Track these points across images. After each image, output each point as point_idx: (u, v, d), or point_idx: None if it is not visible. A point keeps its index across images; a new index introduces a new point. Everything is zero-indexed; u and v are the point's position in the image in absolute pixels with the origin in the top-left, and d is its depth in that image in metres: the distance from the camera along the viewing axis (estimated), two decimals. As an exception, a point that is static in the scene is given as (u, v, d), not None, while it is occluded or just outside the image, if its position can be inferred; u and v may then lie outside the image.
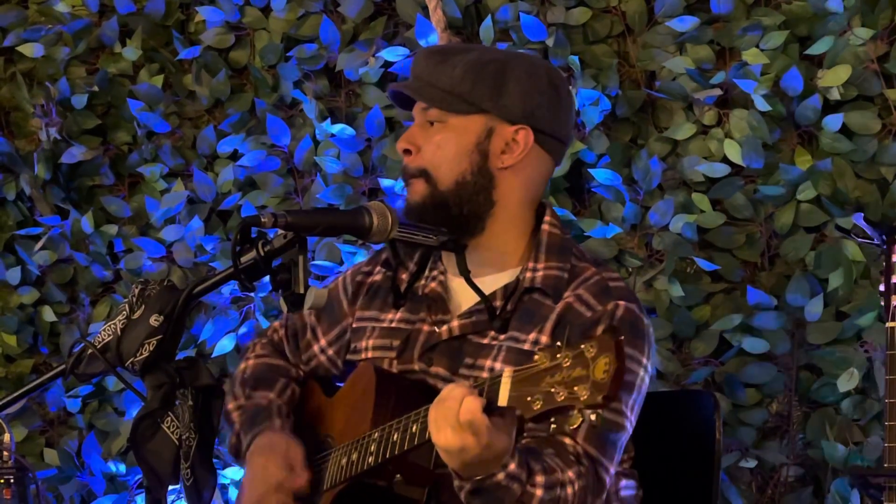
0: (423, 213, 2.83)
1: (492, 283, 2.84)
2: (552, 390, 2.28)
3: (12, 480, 3.88)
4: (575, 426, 2.27)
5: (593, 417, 2.25)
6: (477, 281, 2.81)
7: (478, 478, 2.53)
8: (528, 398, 2.31)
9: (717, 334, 4.19)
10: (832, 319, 4.13)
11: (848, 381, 4.06)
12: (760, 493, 4.22)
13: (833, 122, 4.12)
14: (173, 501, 4.41)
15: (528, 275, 2.82)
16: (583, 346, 2.27)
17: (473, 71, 2.83)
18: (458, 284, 2.86)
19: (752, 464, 4.16)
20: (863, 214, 4.01)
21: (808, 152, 4.18)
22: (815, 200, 4.16)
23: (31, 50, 4.71)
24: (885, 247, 3.85)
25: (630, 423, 2.77)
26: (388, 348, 2.87)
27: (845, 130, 4.14)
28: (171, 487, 2.54)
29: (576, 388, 2.25)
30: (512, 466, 2.54)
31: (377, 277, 2.97)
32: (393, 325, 2.89)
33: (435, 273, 2.90)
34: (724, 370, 4.19)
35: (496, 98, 2.83)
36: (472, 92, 2.82)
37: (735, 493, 4.14)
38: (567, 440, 2.70)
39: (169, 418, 2.51)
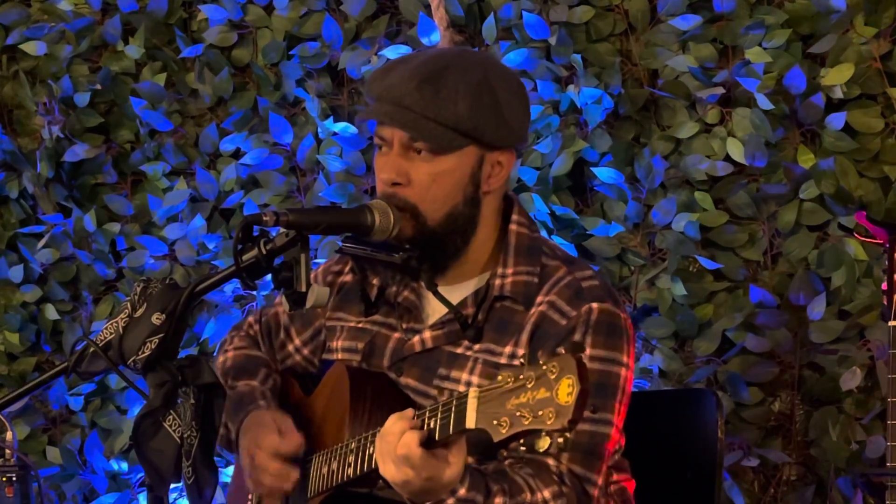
0: (412, 246, 2.76)
1: (462, 290, 2.81)
2: (518, 414, 2.26)
3: (15, 478, 3.88)
4: (544, 449, 2.25)
5: (560, 441, 2.24)
6: (447, 289, 2.78)
7: None
8: (495, 421, 2.29)
9: (720, 333, 4.19)
10: (835, 318, 4.13)
11: (851, 380, 4.06)
12: (763, 492, 4.22)
13: (836, 120, 4.12)
14: (175, 499, 4.41)
15: (498, 282, 2.77)
16: (545, 367, 2.24)
17: (474, 104, 2.71)
18: (430, 294, 2.82)
19: (754, 462, 4.16)
20: (866, 213, 4.00)
21: (810, 151, 4.18)
22: (817, 199, 4.15)
23: (34, 48, 4.71)
24: (887, 245, 3.84)
25: (617, 427, 2.74)
26: (353, 350, 2.86)
27: (848, 129, 4.14)
28: (172, 485, 2.54)
29: (541, 413, 2.23)
30: (461, 492, 2.55)
31: (347, 278, 2.94)
32: (359, 325, 2.87)
33: (406, 279, 2.85)
34: (727, 369, 4.18)
35: (495, 131, 2.75)
36: (475, 129, 2.73)
37: (737, 492, 4.14)
38: (550, 460, 2.68)
39: (171, 416, 2.51)
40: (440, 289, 2.77)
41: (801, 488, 4.18)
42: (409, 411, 2.50)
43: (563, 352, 2.23)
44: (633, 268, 4.29)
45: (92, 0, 4.70)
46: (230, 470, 4.36)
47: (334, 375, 2.83)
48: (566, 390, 2.21)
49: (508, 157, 2.79)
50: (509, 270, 2.78)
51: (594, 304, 2.73)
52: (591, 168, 4.27)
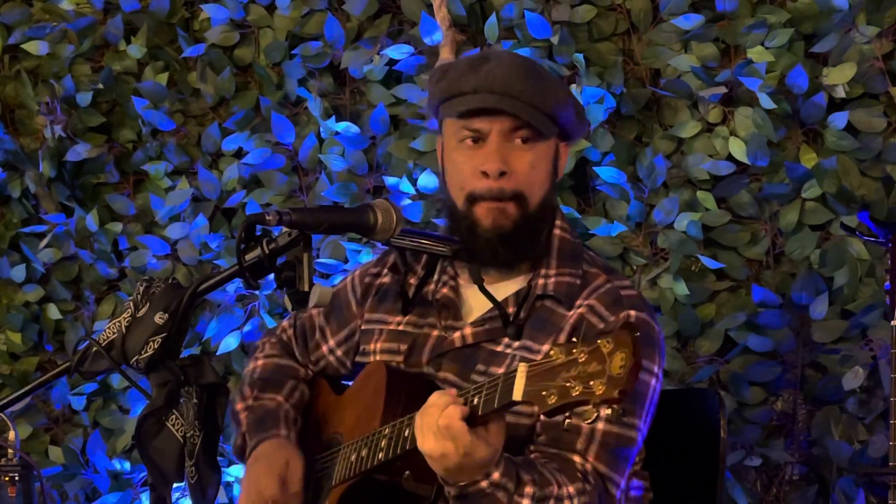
0: (513, 237, 2.79)
1: (504, 288, 2.83)
2: (567, 384, 2.27)
3: (17, 478, 3.88)
4: (590, 420, 2.26)
5: (608, 412, 2.24)
6: (489, 286, 2.79)
7: (461, 483, 2.55)
8: (543, 392, 2.31)
9: (722, 332, 4.19)
10: (837, 318, 4.13)
11: (853, 380, 4.06)
12: (765, 492, 4.22)
13: (838, 119, 4.12)
14: (178, 499, 4.42)
15: (541, 281, 2.80)
16: (599, 342, 2.27)
17: (566, 97, 2.82)
18: (470, 290, 2.84)
19: (757, 462, 4.16)
20: (868, 212, 4.00)
21: (813, 150, 4.18)
22: (820, 198, 4.15)
23: (36, 48, 4.71)
24: (890, 245, 3.84)
25: (642, 435, 2.77)
26: (395, 352, 2.87)
27: (850, 128, 4.14)
28: (175, 485, 2.54)
29: (591, 383, 2.25)
30: (496, 476, 2.56)
31: (385, 280, 2.95)
32: (400, 328, 2.88)
33: (445, 278, 2.88)
34: (729, 368, 4.18)
35: (576, 124, 2.85)
36: (567, 120, 2.82)
37: (740, 492, 4.14)
38: (576, 458, 2.70)
39: (173, 416, 2.51)
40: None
41: (803, 488, 4.17)
42: (453, 389, 2.54)
43: (619, 329, 2.25)
44: (635, 267, 4.29)
45: (94, -1, 4.71)
46: (232, 469, 4.36)
47: (372, 372, 2.84)
48: (619, 363, 2.23)
49: (566, 149, 2.89)
50: (552, 271, 2.82)
51: (632, 312, 2.77)
52: (594, 167, 4.27)
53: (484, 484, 2.55)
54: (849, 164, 4.11)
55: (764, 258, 4.24)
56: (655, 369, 2.78)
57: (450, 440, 2.46)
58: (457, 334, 2.82)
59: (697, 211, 4.22)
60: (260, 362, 3.06)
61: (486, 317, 2.81)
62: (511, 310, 2.80)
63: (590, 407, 2.25)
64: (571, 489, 2.65)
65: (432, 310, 2.87)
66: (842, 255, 4.10)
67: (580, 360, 2.28)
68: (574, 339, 2.31)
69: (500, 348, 2.79)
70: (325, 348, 3.02)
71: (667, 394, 3.19)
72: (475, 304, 2.84)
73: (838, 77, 4.11)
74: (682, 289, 4.17)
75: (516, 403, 2.38)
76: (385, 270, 2.97)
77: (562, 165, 2.88)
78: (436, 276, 2.89)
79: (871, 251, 4.09)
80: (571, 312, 2.78)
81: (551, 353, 2.33)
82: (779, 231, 4.22)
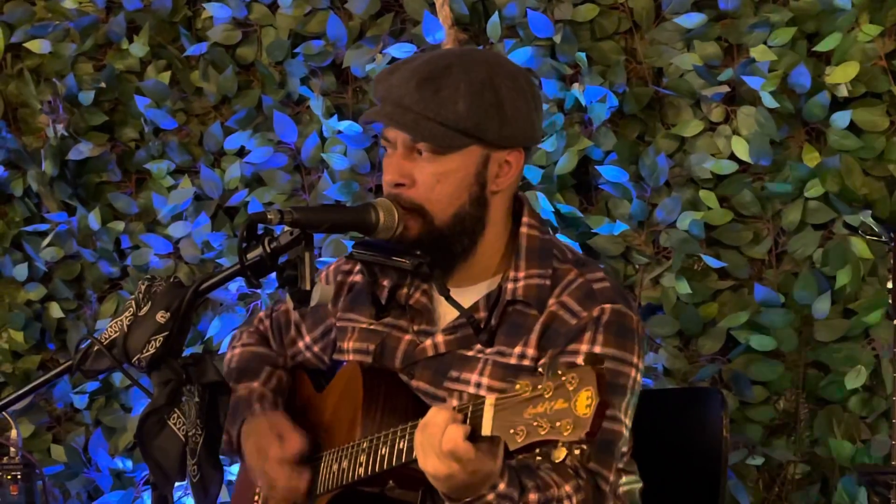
0: (419, 248, 2.73)
1: (473, 293, 2.80)
2: (535, 423, 2.25)
3: (19, 476, 3.88)
4: (560, 459, 2.24)
5: (577, 452, 2.23)
6: (457, 291, 2.76)
7: (467, 500, 2.51)
8: (512, 430, 2.28)
9: (725, 331, 4.19)
10: (840, 317, 4.12)
11: (855, 379, 4.06)
12: (767, 491, 4.22)
13: (841, 118, 4.12)
14: (180, 498, 4.42)
15: (510, 286, 2.76)
16: (563, 378, 2.23)
17: (475, 103, 2.68)
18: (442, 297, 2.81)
19: (759, 461, 4.16)
20: (871, 211, 4.00)
21: (815, 149, 4.18)
22: (822, 197, 4.15)
23: (39, 46, 4.71)
24: (892, 244, 3.84)
25: (626, 426, 2.74)
26: (365, 352, 2.85)
27: (853, 127, 4.14)
28: (177, 484, 2.54)
29: (558, 424, 2.22)
30: (501, 487, 2.53)
31: (357, 278, 2.93)
32: (371, 326, 2.86)
33: (418, 281, 2.84)
34: (732, 367, 4.18)
35: (498, 130, 2.72)
36: (476, 127, 2.70)
37: (742, 491, 4.14)
38: None
39: (175, 415, 2.51)
40: (451, 292, 2.76)
41: (805, 487, 4.17)
42: (449, 404, 2.49)
43: (583, 363, 2.22)
44: (637, 266, 4.29)
45: (96, -2, 4.71)
46: (235, 468, 4.36)
47: (347, 373, 2.83)
48: (584, 402, 2.20)
49: (517, 157, 2.76)
50: (521, 274, 2.77)
51: (606, 305, 2.73)
52: (596, 166, 4.27)
53: (490, 497, 2.51)
54: (851, 163, 4.11)
55: (766, 257, 4.24)
56: (635, 360, 2.73)
57: (455, 461, 2.41)
58: (428, 342, 2.79)
59: (700, 210, 4.21)
60: (237, 351, 3.05)
61: (458, 323, 2.78)
62: (482, 314, 2.76)
63: (560, 446, 2.23)
64: (568, 488, 2.64)
65: (405, 313, 2.84)
66: (844, 255, 4.10)
67: (546, 396, 2.24)
68: (540, 371, 2.28)
69: (471, 353, 2.76)
70: (301, 344, 3.01)
71: (669, 393, 3.20)
72: (447, 309, 2.79)
73: (841, 76, 4.11)
74: (684, 288, 4.17)
75: (485, 438, 2.36)
76: (356, 269, 2.94)
77: (505, 174, 2.75)
78: (408, 280, 2.85)
79: (874, 250, 4.08)
80: (543, 314, 2.74)
81: (517, 386, 2.29)
82: (781, 230, 4.21)
